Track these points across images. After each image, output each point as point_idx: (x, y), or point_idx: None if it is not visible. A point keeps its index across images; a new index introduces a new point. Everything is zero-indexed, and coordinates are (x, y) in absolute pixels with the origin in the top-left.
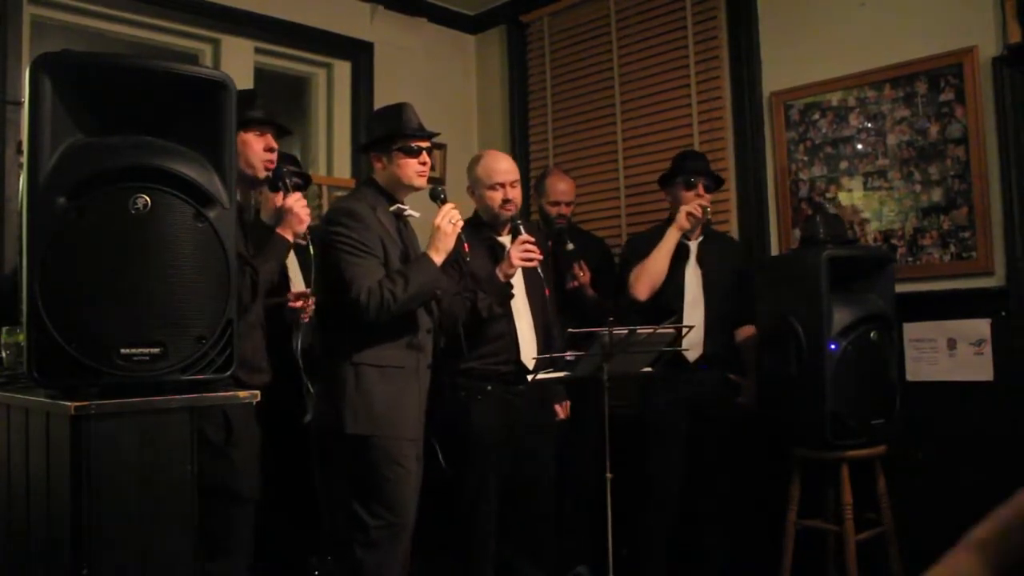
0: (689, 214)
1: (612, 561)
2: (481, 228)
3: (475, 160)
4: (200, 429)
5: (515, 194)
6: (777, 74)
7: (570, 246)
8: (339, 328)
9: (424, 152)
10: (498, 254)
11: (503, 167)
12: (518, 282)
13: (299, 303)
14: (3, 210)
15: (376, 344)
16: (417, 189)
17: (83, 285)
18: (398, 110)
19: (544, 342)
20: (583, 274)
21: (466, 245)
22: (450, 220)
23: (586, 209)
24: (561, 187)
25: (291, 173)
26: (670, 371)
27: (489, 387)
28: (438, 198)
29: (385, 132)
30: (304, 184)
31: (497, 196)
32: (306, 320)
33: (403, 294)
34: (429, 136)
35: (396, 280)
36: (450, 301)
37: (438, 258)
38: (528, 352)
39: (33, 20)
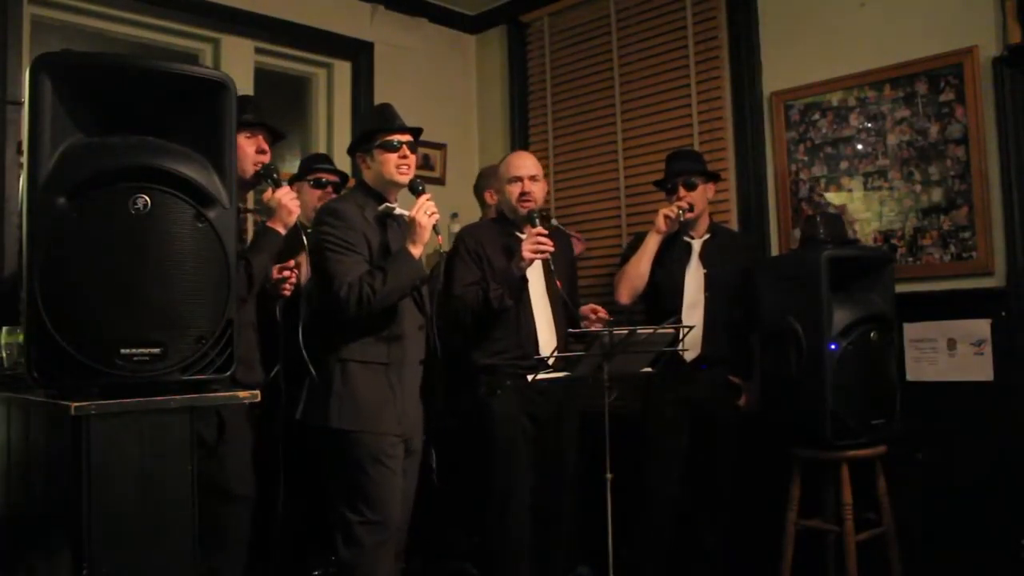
0: (665, 216)
1: (612, 561)
2: (505, 225)
3: (501, 160)
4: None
5: (534, 188)
6: (777, 74)
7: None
8: (327, 325)
9: (405, 147)
10: (516, 251)
11: (523, 162)
12: (537, 278)
13: (283, 274)
14: (3, 210)
15: (360, 340)
16: (400, 185)
17: (83, 285)
18: (379, 109)
19: (564, 337)
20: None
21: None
22: (426, 212)
23: (586, 209)
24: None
25: (295, 172)
26: (669, 371)
27: (508, 382)
28: (416, 190)
29: (364, 131)
30: (341, 182)
31: (515, 189)
32: (286, 293)
33: (382, 287)
34: (407, 130)
35: (375, 275)
36: (463, 291)
37: (416, 251)
38: (547, 349)
39: (33, 20)
